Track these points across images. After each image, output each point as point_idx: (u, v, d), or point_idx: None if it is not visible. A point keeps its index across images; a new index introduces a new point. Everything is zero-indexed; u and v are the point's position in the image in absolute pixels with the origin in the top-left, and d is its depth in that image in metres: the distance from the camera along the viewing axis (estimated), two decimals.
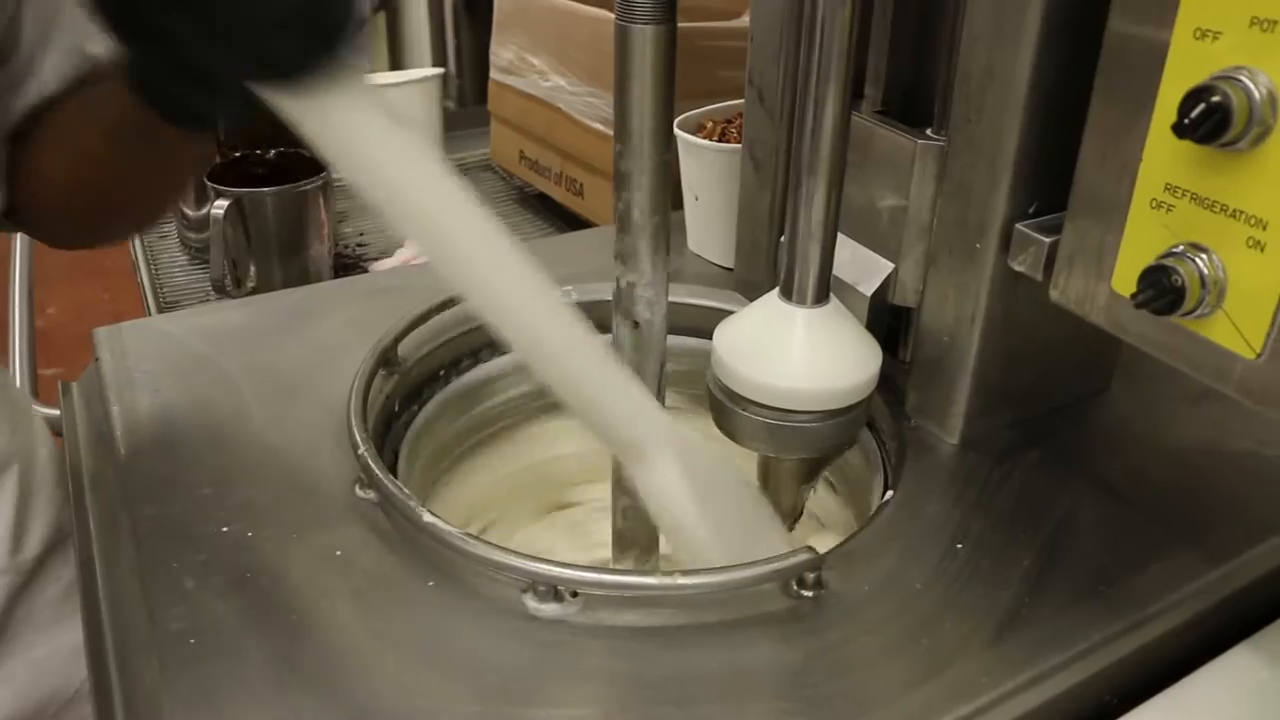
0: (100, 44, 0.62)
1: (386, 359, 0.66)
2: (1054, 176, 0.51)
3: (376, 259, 1.15)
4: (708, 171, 0.80)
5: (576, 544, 0.77)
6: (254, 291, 1.03)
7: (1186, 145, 0.41)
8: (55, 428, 0.71)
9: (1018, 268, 0.54)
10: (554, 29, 1.09)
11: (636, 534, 0.61)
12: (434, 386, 0.72)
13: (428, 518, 0.52)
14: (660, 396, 0.56)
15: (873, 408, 0.61)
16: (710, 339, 0.58)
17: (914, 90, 0.61)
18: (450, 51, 2.21)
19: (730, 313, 0.60)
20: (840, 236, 0.56)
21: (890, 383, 0.63)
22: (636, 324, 0.54)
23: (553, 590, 0.49)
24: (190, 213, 1.13)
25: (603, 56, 1.01)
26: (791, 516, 0.62)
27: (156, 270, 1.14)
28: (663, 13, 0.47)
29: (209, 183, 1.01)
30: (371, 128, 0.40)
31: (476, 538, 0.51)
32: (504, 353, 0.73)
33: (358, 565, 0.52)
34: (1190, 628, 0.51)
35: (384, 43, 2.44)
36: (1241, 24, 0.39)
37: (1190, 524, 0.56)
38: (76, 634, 0.52)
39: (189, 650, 0.47)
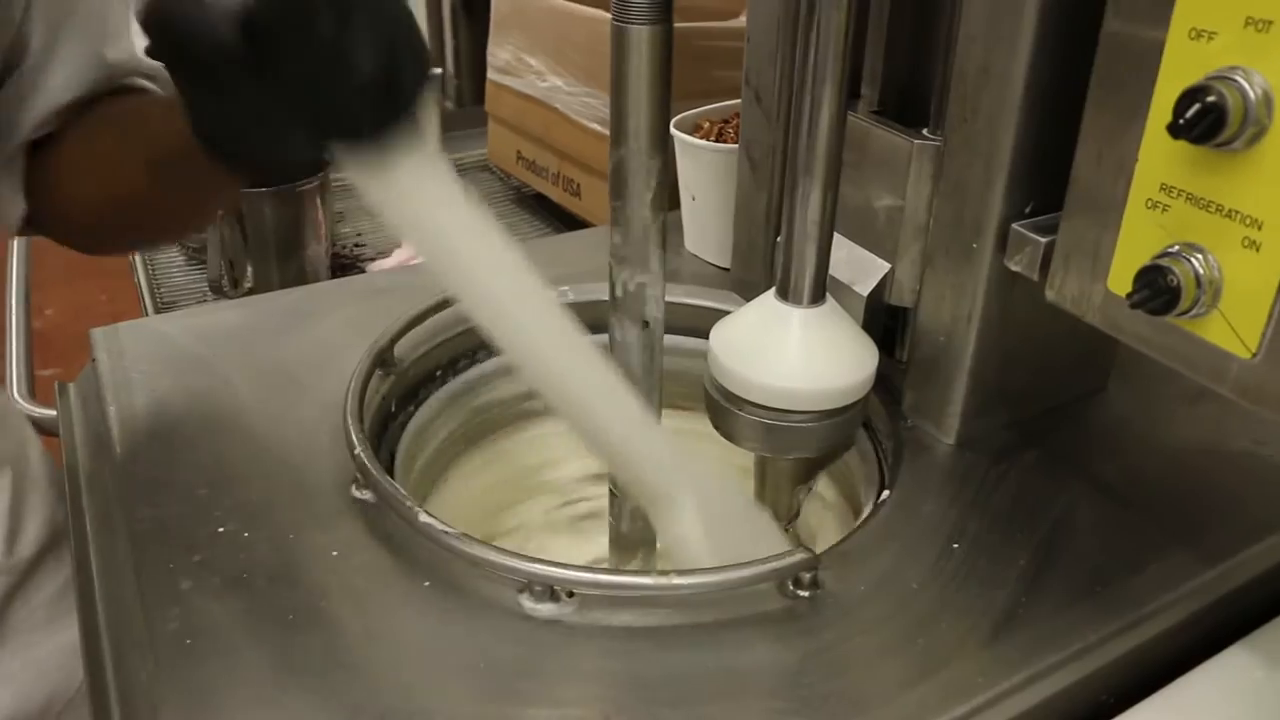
0: (118, 49, 0.62)
1: (383, 359, 0.66)
2: (1050, 176, 0.51)
3: (374, 259, 1.15)
4: (704, 171, 0.80)
5: (573, 544, 0.77)
6: (251, 292, 1.03)
7: (1182, 145, 0.41)
8: (52, 428, 0.71)
9: (1014, 267, 0.54)
10: (551, 29, 1.09)
11: (634, 536, 0.61)
12: (430, 387, 0.72)
13: (424, 518, 0.52)
14: (659, 394, 0.56)
15: (869, 407, 0.61)
16: (707, 339, 0.58)
17: (910, 90, 0.61)
18: (448, 52, 2.21)
19: (727, 313, 0.60)
20: (837, 236, 0.56)
21: (887, 382, 0.63)
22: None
23: (549, 590, 0.49)
24: None
25: (600, 57, 1.01)
26: (788, 517, 0.63)
27: (154, 271, 1.14)
28: (658, 13, 0.47)
29: None
30: (433, 193, 0.42)
31: (472, 538, 0.51)
32: (500, 353, 0.73)
33: (354, 566, 0.52)
34: (1186, 627, 0.51)
35: None
36: (1236, 24, 0.39)
37: (1187, 524, 0.56)
38: (74, 633, 0.52)
39: (185, 650, 0.47)
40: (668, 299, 0.56)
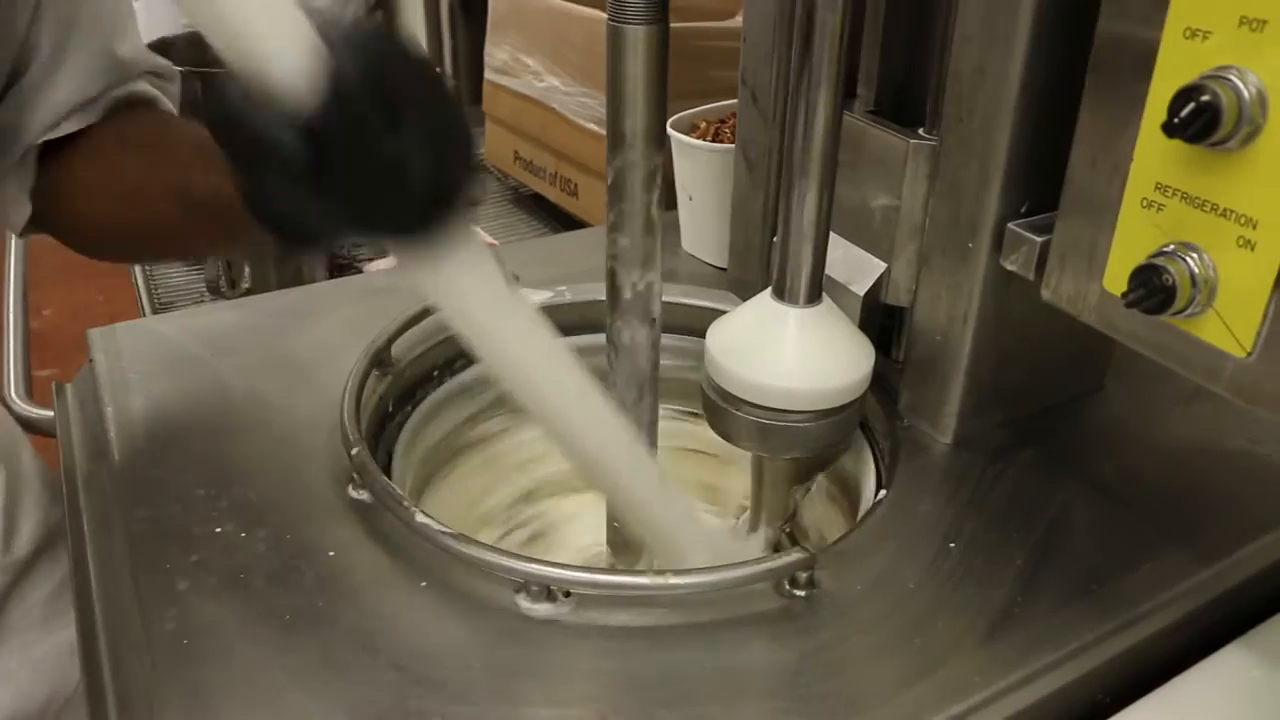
0: (126, 46, 0.62)
1: (380, 359, 0.66)
2: (1045, 176, 0.51)
3: (371, 260, 1.15)
4: (701, 171, 0.80)
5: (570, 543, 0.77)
6: (249, 292, 1.03)
7: (1177, 144, 0.41)
8: (49, 429, 0.71)
9: (1010, 267, 0.54)
10: (548, 29, 1.09)
11: (632, 537, 0.61)
12: (427, 387, 0.72)
13: (420, 518, 0.52)
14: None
15: (866, 407, 0.61)
16: (703, 338, 0.58)
17: (906, 90, 0.61)
18: (446, 52, 2.21)
19: (723, 312, 0.60)
20: (833, 236, 0.57)
21: (883, 382, 0.63)
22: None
23: (545, 590, 0.49)
24: None
25: (597, 57, 1.01)
26: (785, 518, 0.62)
27: (151, 271, 1.14)
28: (654, 13, 0.47)
29: None
30: (476, 283, 0.44)
31: (469, 538, 0.51)
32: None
33: (351, 566, 0.52)
34: (1182, 626, 0.51)
35: None
36: (1231, 23, 0.39)
37: (1183, 523, 0.56)
38: (71, 633, 0.52)
39: (182, 651, 0.47)
40: (665, 299, 0.56)
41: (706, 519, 0.56)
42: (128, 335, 0.71)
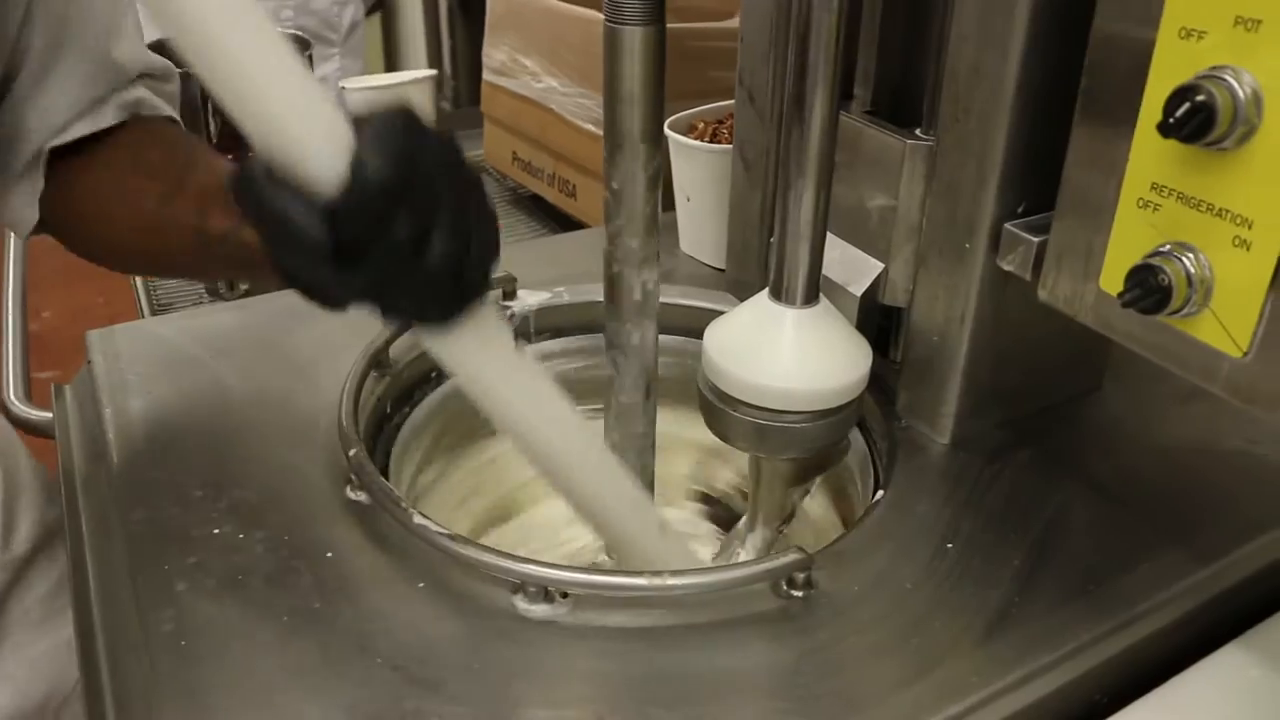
0: (123, 49, 0.61)
1: (378, 361, 0.66)
2: (1042, 176, 0.51)
3: None
4: (699, 172, 0.80)
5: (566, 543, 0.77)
6: (247, 294, 1.03)
7: (1172, 145, 0.41)
8: (48, 431, 0.71)
9: (1006, 267, 0.54)
10: (546, 30, 1.09)
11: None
12: (425, 388, 0.72)
13: (418, 519, 0.52)
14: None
15: (863, 408, 0.61)
16: (700, 339, 0.58)
17: (903, 90, 0.61)
18: (445, 53, 2.21)
19: (721, 313, 0.60)
20: (830, 237, 0.57)
21: (881, 383, 0.63)
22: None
23: (543, 591, 0.49)
24: None
25: (594, 58, 1.01)
26: (782, 518, 0.63)
27: None
28: (651, 14, 0.47)
29: None
30: (490, 357, 0.46)
31: (466, 539, 0.51)
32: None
33: (349, 567, 0.52)
34: (1180, 626, 0.51)
35: (379, 44, 2.44)
36: (1226, 23, 0.39)
37: (1180, 523, 0.56)
38: (69, 631, 0.52)
39: (180, 652, 0.47)
40: (663, 300, 0.56)
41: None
42: (126, 337, 0.71)
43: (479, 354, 0.45)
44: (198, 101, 0.93)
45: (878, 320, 0.64)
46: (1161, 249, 0.43)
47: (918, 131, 0.59)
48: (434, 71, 1.28)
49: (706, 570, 0.50)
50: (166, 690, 0.45)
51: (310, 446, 0.60)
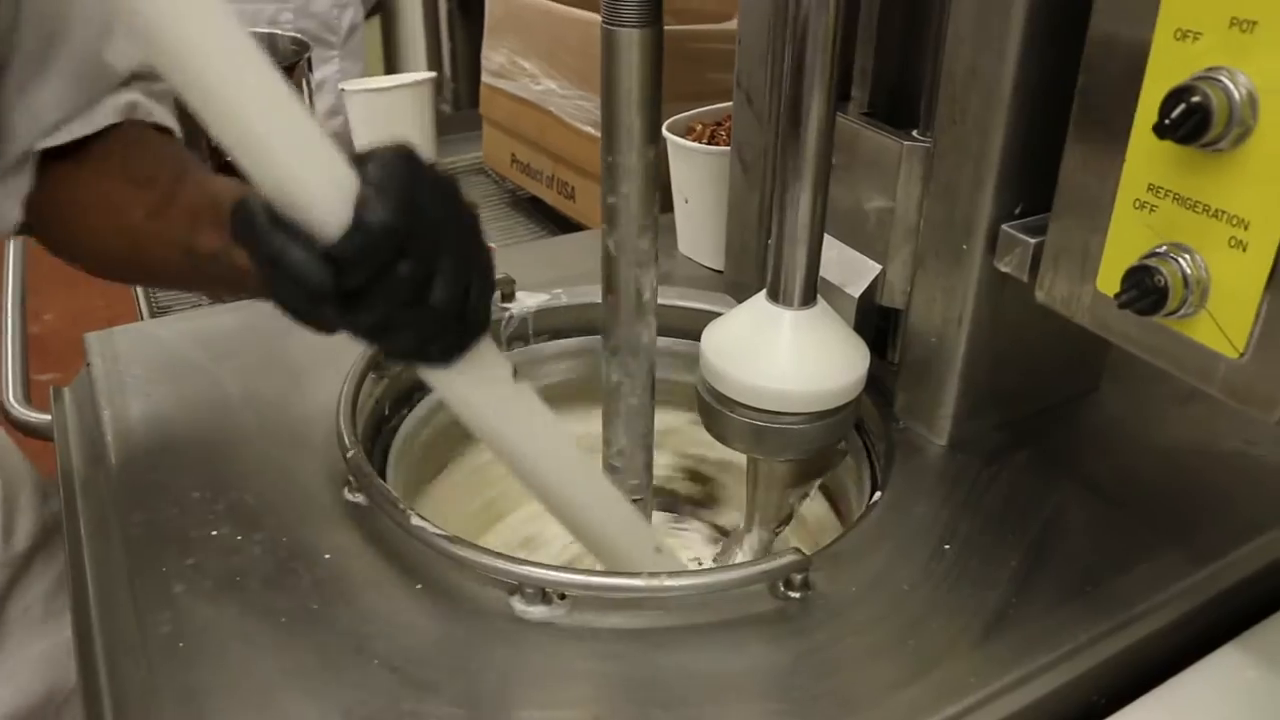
0: (115, 51, 0.61)
1: (376, 362, 0.66)
2: (1039, 177, 0.51)
3: None
4: (697, 174, 0.80)
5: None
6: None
7: (1168, 146, 0.41)
8: (48, 433, 0.71)
9: (1003, 268, 0.54)
10: (545, 32, 1.09)
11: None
12: (423, 390, 0.72)
13: (415, 521, 0.52)
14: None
15: (861, 409, 0.61)
16: (698, 341, 0.58)
17: (900, 92, 0.61)
18: (445, 55, 2.21)
19: (719, 314, 0.60)
20: (827, 238, 0.57)
21: (879, 384, 0.63)
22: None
23: (540, 593, 0.49)
24: None
25: (593, 60, 1.01)
26: (780, 520, 0.63)
27: None
28: (648, 16, 0.47)
29: None
30: (488, 392, 0.46)
31: (464, 541, 0.51)
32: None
33: (346, 568, 0.52)
34: (1178, 627, 0.51)
35: (379, 46, 2.44)
36: (1221, 25, 0.39)
37: (1178, 524, 0.56)
38: (69, 631, 0.52)
39: (178, 653, 0.47)
40: (661, 301, 0.56)
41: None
42: (125, 339, 0.71)
43: (478, 390, 0.46)
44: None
45: (875, 322, 0.64)
46: (1158, 250, 0.43)
47: (915, 133, 0.59)
48: (433, 74, 1.28)
49: (703, 572, 0.50)
50: (164, 692, 0.45)
51: (308, 448, 0.60)
